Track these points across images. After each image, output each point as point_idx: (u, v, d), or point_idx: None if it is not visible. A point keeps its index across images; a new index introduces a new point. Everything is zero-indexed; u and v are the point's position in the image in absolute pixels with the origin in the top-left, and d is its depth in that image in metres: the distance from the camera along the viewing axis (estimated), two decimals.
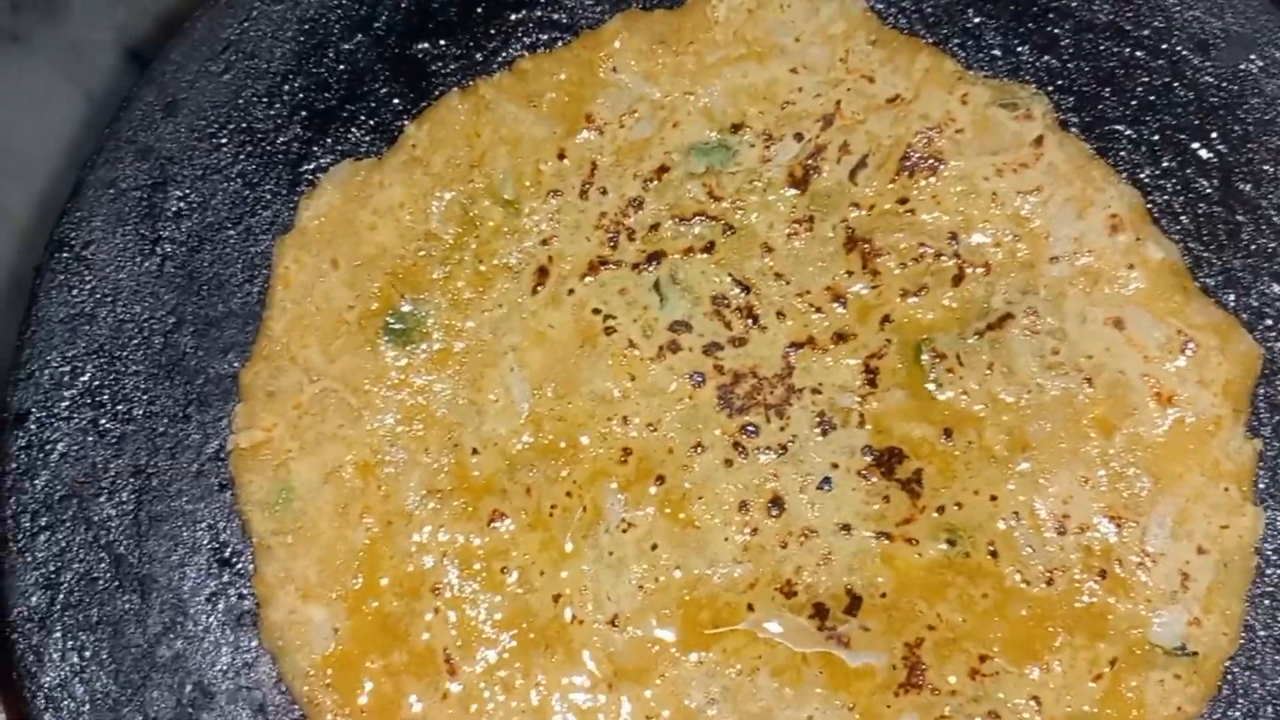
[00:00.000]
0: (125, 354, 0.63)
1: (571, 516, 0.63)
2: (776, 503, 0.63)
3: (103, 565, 0.63)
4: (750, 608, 0.62)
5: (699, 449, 0.64)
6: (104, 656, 0.61)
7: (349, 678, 0.62)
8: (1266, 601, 0.61)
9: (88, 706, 0.61)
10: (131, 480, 0.63)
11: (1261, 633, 0.61)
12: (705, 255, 0.65)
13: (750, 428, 0.64)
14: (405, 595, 0.63)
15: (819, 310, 0.65)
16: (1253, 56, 0.63)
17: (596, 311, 0.65)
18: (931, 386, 0.64)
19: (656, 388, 0.64)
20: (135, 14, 0.77)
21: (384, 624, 0.63)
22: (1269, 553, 0.62)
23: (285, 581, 0.63)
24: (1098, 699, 0.60)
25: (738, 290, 0.65)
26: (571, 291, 0.65)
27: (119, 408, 0.63)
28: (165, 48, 0.62)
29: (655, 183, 0.66)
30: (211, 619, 0.63)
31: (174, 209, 0.64)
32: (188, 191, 0.64)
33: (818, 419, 0.64)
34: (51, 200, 0.67)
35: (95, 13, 0.77)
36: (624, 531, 0.63)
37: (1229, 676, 0.61)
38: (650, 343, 0.65)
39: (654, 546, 0.63)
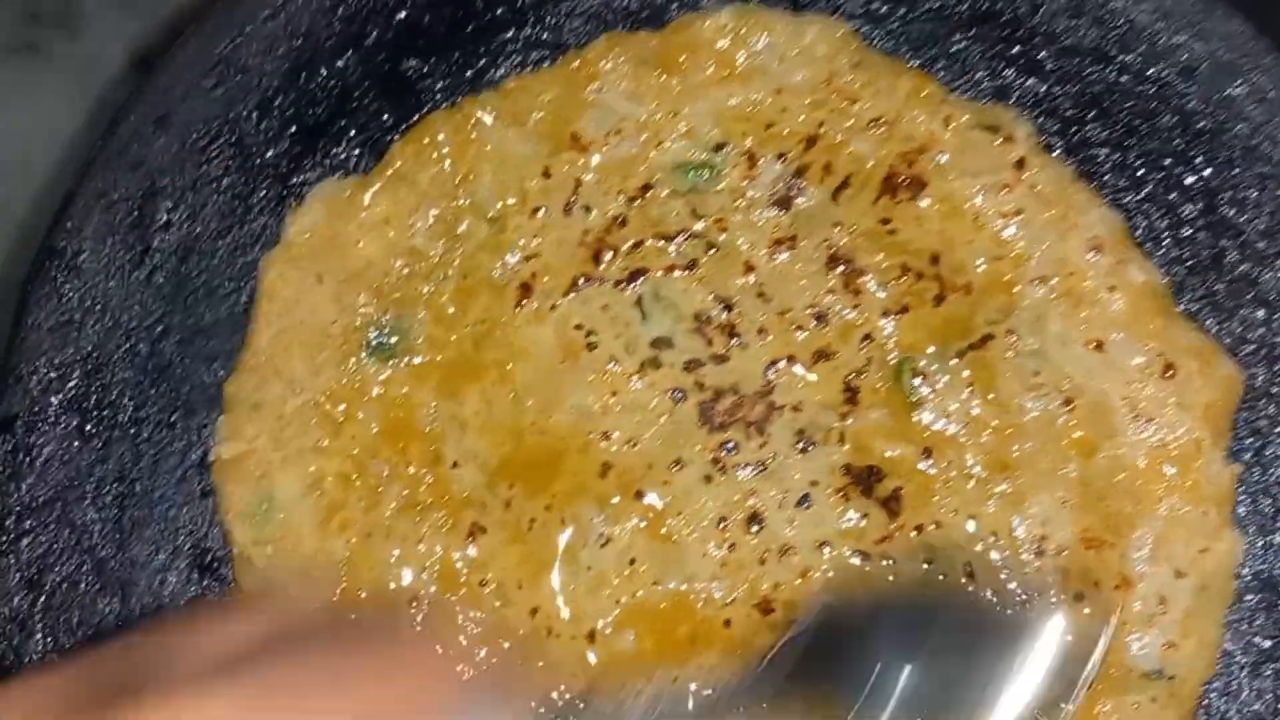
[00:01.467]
0: (112, 361, 0.64)
1: (550, 530, 0.64)
2: (755, 519, 0.63)
3: (85, 569, 0.63)
4: (727, 623, 0.63)
5: (679, 465, 0.64)
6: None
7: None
8: (1244, 626, 0.61)
9: None
10: (115, 485, 0.64)
11: (1240, 658, 0.61)
12: (687, 273, 0.66)
13: (730, 444, 0.64)
14: (384, 608, 0.63)
15: (800, 328, 0.65)
16: (1238, 83, 0.63)
17: (579, 327, 0.65)
18: (911, 406, 0.64)
19: (637, 404, 0.65)
20: (148, 25, 0.78)
21: None
22: (1247, 578, 0.61)
23: (265, 592, 0.63)
24: None
25: (720, 308, 0.65)
26: (554, 307, 0.66)
27: (105, 414, 0.64)
28: (157, 64, 0.63)
29: (639, 201, 0.66)
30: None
31: (164, 220, 0.65)
32: (178, 203, 0.65)
33: (797, 437, 0.64)
34: (52, 208, 0.68)
35: (109, 24, 0.78)
36: (602, 546, 0.63)
37: (1205, 701, 0.60)
38: (632, 359, 0.65)
39: (632, 561, 0.63)
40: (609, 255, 0.66)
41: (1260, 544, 0.62)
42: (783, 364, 0.64)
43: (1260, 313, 0.63)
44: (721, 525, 0.63)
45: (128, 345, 0.64)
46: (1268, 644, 0.61)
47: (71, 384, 0.64)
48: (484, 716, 0.52)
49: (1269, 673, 0.61)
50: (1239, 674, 0.61)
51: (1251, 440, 0.63)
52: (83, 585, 0.63)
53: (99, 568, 0.64)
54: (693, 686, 0.60)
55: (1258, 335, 0.63)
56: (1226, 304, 0.63)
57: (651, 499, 0.64)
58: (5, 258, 0.76)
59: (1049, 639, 0.55)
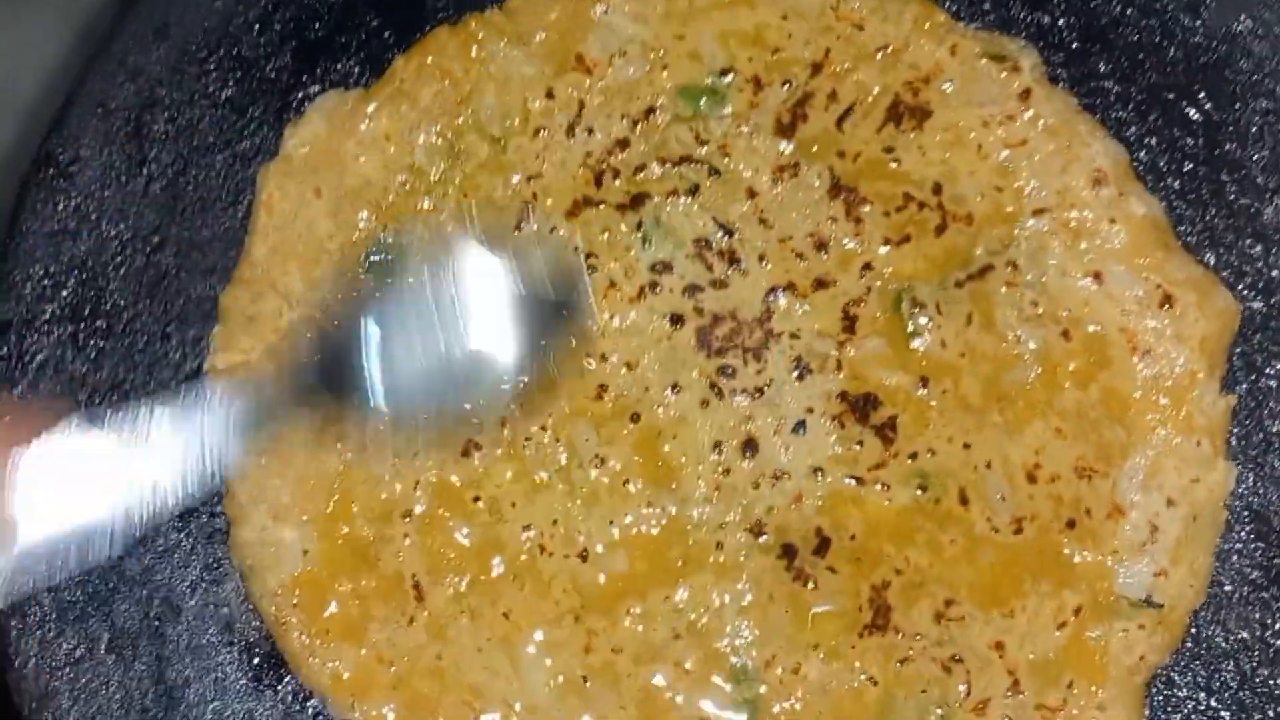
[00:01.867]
0: (107, 271, 0.64)
1: (545, 450, 0.64)
2: (750, 445, 0.63)
3: None
4: (719, 547, 0.63)
5: (675, 389, 0.64)
6: (72, 567, 0.61)
7: (316, 599, 0.62)
8: (1234, 557, 0.62)
9: (54, 615, 0.61)
10: (109, 395, 0.63)
11: (1228, 588, 0.61)
12: (689, 198, 0.65)
13: (727, 370, 0.64)
14: (376, 521, 0.63)
15: (801, 256, 0.65)
16: (1243, 17, 0.63)
17: (578, 250, 0.65)
18: (909, 335, 0.64)
19: (635, 327, 0.65)
20: None
21: (354, 548, 0.63)
22: (1238, 508, 0.62)
23: (257, 501, 0.63)
24: (1061, 646, 0.61)
25: (721, 233, 0.65)
26: (554, 229, 0.65)
27: (99, 323, 0.63)
28: None
29: (642, 124, 0.66)
30: (182, 535, 0.63)
31: (161, 130, 0.64)
32: (175, 115, 0.64)
33: (794, 364, 0.64)
34: (37, 134, 0.67)
35: None
36: (597, 467, 0.63)
37: (1193, 630, 0.61)
38: (631, 283, 0.65)
39: (626, 483, 0.63)
40: (611, 178, 0.66)
41: (1251, 475, 0.62)
42: (782, 291, 0.64)
43: (1258, 247, 0.63)
44: (717, 449, 0.63)
45: (123, 256, 0.64)
46: (1256, 574, 0.62)
47: (65, 292, 0.63)
48: None
49: (1256, 601, 0.61)
50: (1227, 603, 0.61)
51: (1245, 373, 0.63)
52: None
53: None
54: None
55: (1255, 269, 0.63)
56: (1225, 238, 0.63)
57: (647, 422, 0.64)
58: None
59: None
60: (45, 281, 0.63)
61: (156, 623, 0.62)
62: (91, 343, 0.63)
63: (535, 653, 0.62)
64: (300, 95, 0.65)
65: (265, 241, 0.65)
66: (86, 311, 0.63)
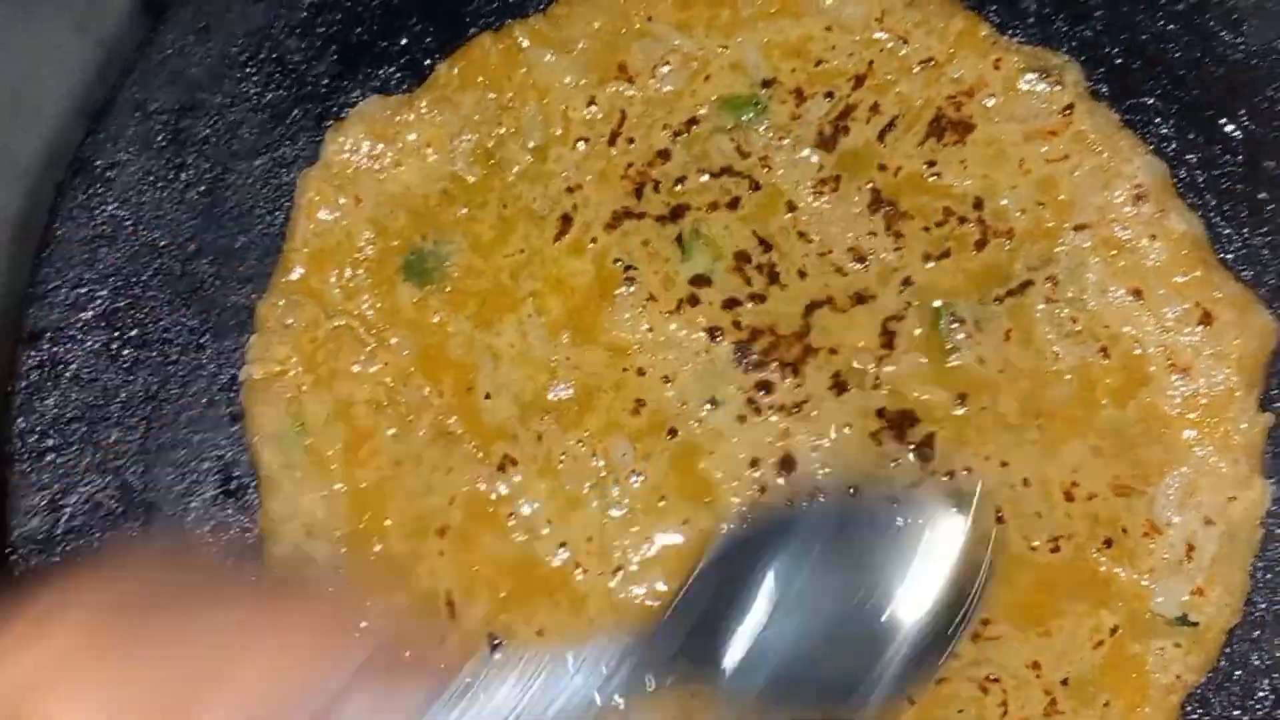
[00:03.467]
0: (143, 279, 0.63)
1: (581, 465, 0.63)
2: (787, 461, 0.63)
3: (108, 491, 0.62)
4: None
5: (713, 404, 0.64)
6: None
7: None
8: (1269, 576, 0.62)
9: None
10: (142, 406, 0.63)
11: (1263, 606, 0.62)
12: (730, 211, 0.65)
13: (765, 385, 0.64)
14: (411, 536, 0.63)
15: (840, 271, 0.65)
16: None
17: (617, 261, 0.65)
18: (948, 351, 0.64)
19: (673, 341, 0.64)
20: None
21: (388, 564, 0.63)
22: (1274, 527, 0.62)
23: (291, 517, 0.63)
24: (1098, 666, 0.61)
25: (760, 247, 0.65)
26: (594, 240, 0.65)
27: (133, 332, 0.63)
28: None
29: (684, 135, 0.66)
30: (214, 551, 0.63)
31: (201, 136, 0.63)
32: (215, 119, 0.63)
33: (832, 379, 0.64)
34: (60, 148, 0.66)
35: None
36: (633, 483, 0.63)
37: (1229, 648, 0.61)
38: (670, 295, 0.65)
39: (662, 499, 0.63)
40: (651, 190, 0.65)
41: None
42: (821, 306, 0.64)
43: None
44: (754, 466, 0.63)
45: (159, 263, 0.63)
46: None
47: (100, 300, 0.62)
48: (369, 704, 0.45)
49: None
50: (1263, 622, 0.62)
51: None
52: (105, 508, 0.62)
53: (123, 490, 0.63)
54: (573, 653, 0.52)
55: None
56: (1264, 255, 0.64)
57: (684, 437, 0.63)
58: (6, 201, 0.74)
59: (940, 543, 0.54)
60: (80, 289, 0.62)
61: None
62: (125, 352, 0.63)
63: None
64: (341, 100, 0.65)
65: (304, 248, 0.64)
66: (120, 320, 0.63)
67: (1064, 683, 0.61)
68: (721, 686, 0.52)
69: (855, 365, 0.64)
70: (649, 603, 0.62)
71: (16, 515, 0.61)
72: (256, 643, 0.44)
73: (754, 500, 0.62)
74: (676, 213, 0.65)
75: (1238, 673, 0.61)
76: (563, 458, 0.63)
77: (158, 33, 0.62)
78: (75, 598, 0.43)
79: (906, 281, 0.64)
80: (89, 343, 0.62)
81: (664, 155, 0.65)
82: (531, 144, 0.65)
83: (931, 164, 0.65)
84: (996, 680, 0.61)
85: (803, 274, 0.65)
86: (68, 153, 0.64)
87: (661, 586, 0.62)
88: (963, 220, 0.64)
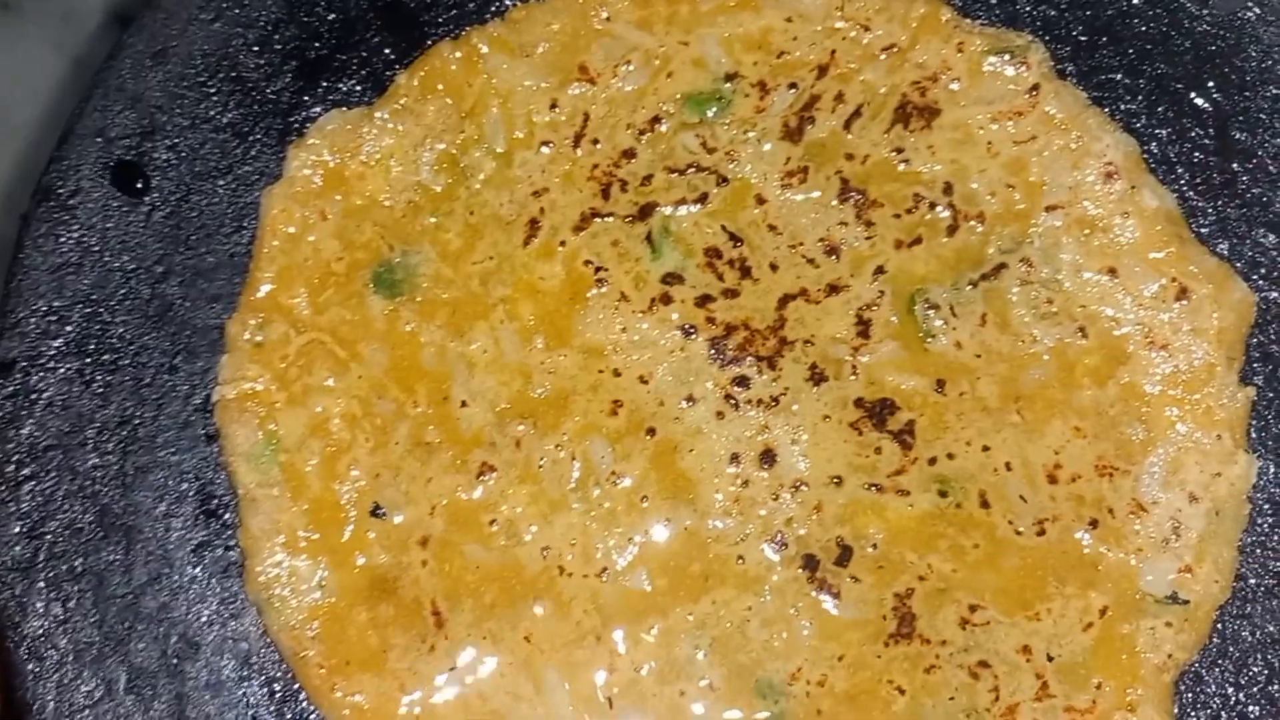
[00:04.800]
0: (112, 304, 0.63)
1: (561, 469, 0.63)
2: (768, 455, 0.63)
3: (87, 516, 0.62)
4: (740, 559, 0.62)
5: (690, 401, 0.63)
6: (88, 607, 0.61)
7: (335, 630, 0.62)
8: (1258, 550, 0.61)
9: (71, 657, 0.60)
10: (118, 430, 0.62)
11: (1252, 581, 0.61)
12: (698, 207, 0.65)
13: (741, 380, 0.63)
14: (392, 548, 0.63)
15: (812, 262, 0.64)
16: (1250, 5, 0.63)
17: (588, 263, 0.64)
18: (924, 337, 0.63)
19: (648, 340, 0.64)
20: None
21: (371, 577, 0.62)
22: (1260, 501, 0.61)
23: (271, 534, 0.62)
24: (1089, 647, 0.60)
25: (730, 242, 0.64)
26: (563, 243, 0.65)
27: (105, 358, 0.63)
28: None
29: (648, 134, 0.65)
30: (197, 570, 0.62)
31: (162, 159, 0.63)
32: (176, 141, 0.63)
33: (809, 371, 0.63)
34: (35, 163, 0.66)
35: None
36: (614, 484, 0.63)
37: (1220, 625, 0.61)
38: (642, 295, 0.64)
39: (644, 499, 0.63)
40: (619, 190, 0.65)
41: (1272, 467, 0.62)
42: (795, 298, 0.64)
43: (1271, 237, 0.63)
44: (734, 461, 0.63)
45: (127, 288, 0.63)
46: None
47: (70, 327, 0.62)
48: None
49: None
50: (1253, 597, 0.61)
51: (1264, 364, 0.62)
52: (85, 532, 0.62)
53: (102, 515, 0.62)
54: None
55: (1269, 258, 0.63)
56: (1238, 228, 0.63)
57: (663, 436, 0.63)
58: None
59: None
60: (49, 317, 0.62)
61: (175, 660, 0.61)
62: (98, 378, 0.63)
63: (558, 675, 0.61)
64: (303, 116, 0.64)
65: (271, 266, 0.64)
66: (92, 346, 0.63)
67: (1052, 660, 0.60)
68: None
69: (832, 356, 0.64)
70: (636, 602, 0.62)
71: None
72: None
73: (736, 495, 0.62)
74: (645, 211, 0.65)
75: (1231, 649, 0.61)
76: (542, 462, 0.63)
77: (114, 58, 0.62)
78: None
79: (879, 270, 0.64)
80: (61, 370, 0.62)
81: (629, 154, 0.65)
82: (496, 149, 0.65)
83: (899, 150, 0.64)
84: (987, 666, 0.60)
85: (774, 267, 0.64)
86: (41, 168, 0.63)
87: (647, 586, 0.62)
88: (933, 206, 0.64)
